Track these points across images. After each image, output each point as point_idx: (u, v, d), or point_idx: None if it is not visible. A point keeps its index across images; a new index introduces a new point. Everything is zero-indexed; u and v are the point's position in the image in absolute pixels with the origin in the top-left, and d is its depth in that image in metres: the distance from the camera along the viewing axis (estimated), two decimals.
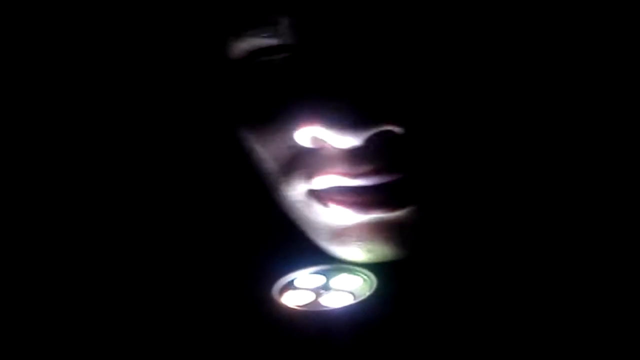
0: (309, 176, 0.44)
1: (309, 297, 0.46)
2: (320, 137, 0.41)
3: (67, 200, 0.56)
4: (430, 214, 0.44)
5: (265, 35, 0.42)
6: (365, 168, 0.42)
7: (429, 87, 0.41)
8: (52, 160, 0.57)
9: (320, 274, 0.49)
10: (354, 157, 0.41)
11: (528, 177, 0.49)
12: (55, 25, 0.55)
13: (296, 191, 0.46)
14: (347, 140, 0.40)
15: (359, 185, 0.42)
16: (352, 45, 0.40)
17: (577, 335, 0.44)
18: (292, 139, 0.43)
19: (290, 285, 0.48)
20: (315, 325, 0.44)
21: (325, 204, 0.45)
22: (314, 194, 0.45)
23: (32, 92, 0.57)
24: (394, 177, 0.42)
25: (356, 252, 0.46)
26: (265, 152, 0.46)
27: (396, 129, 0.41)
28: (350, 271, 0.48)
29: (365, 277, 0.47)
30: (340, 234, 0.46)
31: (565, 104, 0.49)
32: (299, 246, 0.49)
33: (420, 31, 0.40)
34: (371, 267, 0.47)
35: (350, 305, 0.45)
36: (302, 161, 0.45)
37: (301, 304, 0.46)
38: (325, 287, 0.47)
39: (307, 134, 0.42)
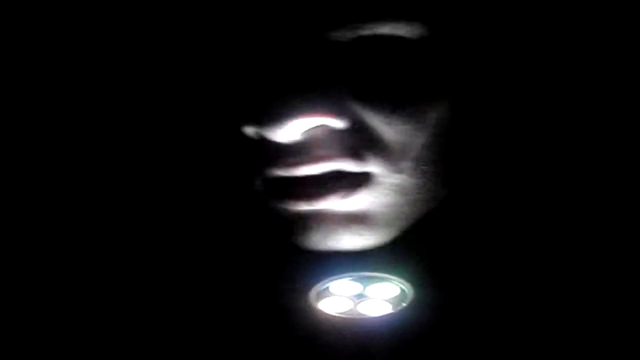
0: (260, 169, 0.45)
1: (347, 305, 0.46)
2: (260, 131, 0.42)
3: (73, 201, 0.56)
4: (380, 203, 0.45)
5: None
6: (305, 159, 0.43)
7: (366, 81, 0.42)
8: (53, 160, 0.57)
9: (356, 281, 0.49)
10: (294, 148, 0.42)
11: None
12: (65, 24, 0.55)
13: (254, 183, 0.47)
14: (282, 134, 0.41)
15: (303, 176, 0.43)
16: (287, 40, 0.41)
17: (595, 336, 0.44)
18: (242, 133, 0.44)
19: (326, 293, 0.48)
20: (354, 333, 0.44)
21: (276, 196, 0.45)
22: (267, 186, 0.46)
23: (33, 92, 0.56)
24: (335, 167, 0.43)
25: (318, 241, 0.47)
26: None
27: (332, 122, 0.41)
28: (385, 279, 0.48)
29: (401, 285, 0.48)
30: (297, 225, 0.46)
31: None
32: (333, 253, 0.49)
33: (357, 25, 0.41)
34: (406, 275, 0.48)
35: (391, 314, 0.45)
36: (253, 154, 0.45)
37: (339, 311, 0.46)
38: (362, 295, 0.47)
39: (250, 129, 0.43)
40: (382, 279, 0.48)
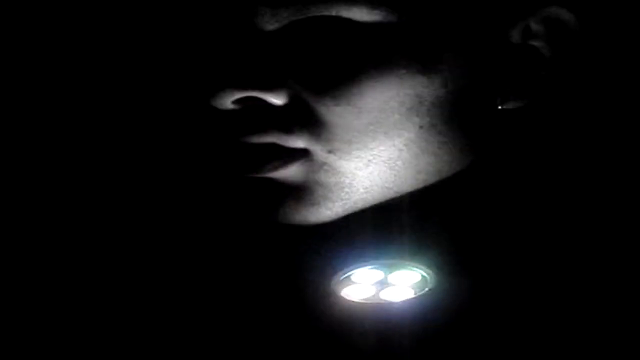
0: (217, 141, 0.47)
1: (369, 292, 0.48)
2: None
3: (72, 201, 0.55)
4: (312, 180, 0.45)
5: None
6: (243, 129, 0.44)
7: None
8: (51, 160, 0.56)
9: (378, 269, 0.47)
10: (235, 120, 0.44)
11: None
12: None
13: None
14: (220, 102, 0.43)
15: (244, 145, 0.44)
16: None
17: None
18: None
19: (348, 280, 0.47)
20: (378, 319, 0.50)
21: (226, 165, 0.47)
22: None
23: (33, 92, 0.57)
24: (270, 140, 0.44)
25: (264, 212, 0.47)
26: None
27: (268, 97, 0.43)
28: (408, 267, 0.47)
29: (423, 272, 0.47)
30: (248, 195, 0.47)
31: None
32: (354, 241, 0.47)
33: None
34: (429, 262, 0.47)
35: (413, 299, 0.49)
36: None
37: (362, 298, 0.49)
38: (384, 282, 0.48)
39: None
40: (404, 266, 0.47)
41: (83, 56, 0.57)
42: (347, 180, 0.45)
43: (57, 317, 0.51)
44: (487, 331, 0.47)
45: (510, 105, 0.46)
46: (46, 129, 0.57)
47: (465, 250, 0.48)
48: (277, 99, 0.43)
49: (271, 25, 0.42)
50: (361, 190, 0.45)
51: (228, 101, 0.43)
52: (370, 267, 0.47)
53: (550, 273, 0.48)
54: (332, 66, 0.42)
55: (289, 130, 0.44)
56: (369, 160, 0.44)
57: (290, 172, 0.45)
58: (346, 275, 0.47)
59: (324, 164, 0.44)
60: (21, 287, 0.52)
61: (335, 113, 0.42)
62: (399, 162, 0.44)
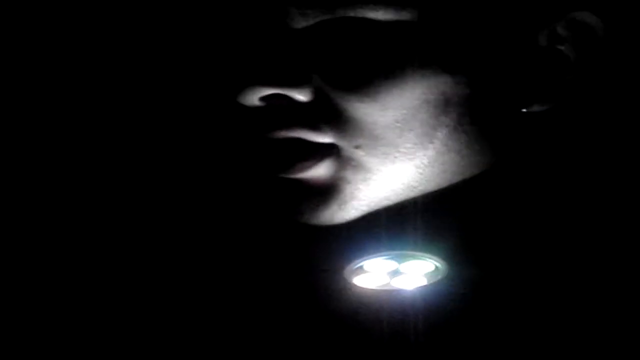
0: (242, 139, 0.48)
1: (382, 280, 0.49)
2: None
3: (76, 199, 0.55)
4: (340, 177, 0.45)
5: None
6: (269, 126, 0.44)
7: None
8: (53, 158, 0.56)
9: (391, 259, 0.47)
10: (261, 117, 0.44)
11: None
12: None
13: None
14: (247, 99, 0.43)
15: (271, 142, 0.44)
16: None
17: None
18: None
19: (361, 270, 0.48)
20: (390, 306, 0.50)
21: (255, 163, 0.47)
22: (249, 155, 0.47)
23: (33, 92, 0.57)
24: (297, 135, 0.44)
25: (296, 213, 0.47)
26: None
27: (294, 93, 0.43)
28: (420, 257, 0.47)
29: (436, 263, 0.47)
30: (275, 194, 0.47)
31: None
32: (368, 232, 0.47)
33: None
34: (442, 253, 0.47)
35: (425, 287, 0.49)
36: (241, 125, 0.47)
37: (374, 286, 0.49)
38: (397, 272, 0.48)
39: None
40: (416, 257, 0.47)
41: (104, 54, 0.58)
42: (374, 177, 0.45)
43: (61, 316, 0.51)
44: (497, 321, 0.48)
45: (534, 108, 0.46)
46: (64, 128, 0.58)
47: (478, 243, 0.48)
48: (303, 96, 0.43)
49: (299, 25, 0.42)
50: (387, 188, 0.45)
51: (255, 98, 0.43)
52: (384, 257, 0.47)
53: (561, 268, 0.48)
54: (357, 64, 0.42)
55: (315, 126, 0.44)
56: (395, 157, 0.44)
57: (319, 171, 0.45)
58: (359, 264, 0.47)
59: (351, 159, 0.44)
60: (21, 287, 0.52)
61: (361, 110, 0.42)
62: (424, 160, 0.44)
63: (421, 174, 0.45)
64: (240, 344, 0.50)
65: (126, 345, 0.50)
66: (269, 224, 0.51)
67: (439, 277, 0.47)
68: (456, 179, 0.46)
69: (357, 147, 0.44)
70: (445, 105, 0.43)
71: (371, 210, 0.46)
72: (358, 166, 0.44)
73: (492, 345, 0.47)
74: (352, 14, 0.41)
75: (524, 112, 0.46)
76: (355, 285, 0.48)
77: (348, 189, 0.45)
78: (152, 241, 0.53)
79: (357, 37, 0.42)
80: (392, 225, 0.47)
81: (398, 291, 0.48)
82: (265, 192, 0.47)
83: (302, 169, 0.44)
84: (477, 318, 0.48)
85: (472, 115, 0.44)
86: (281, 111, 0.43)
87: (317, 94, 0.43)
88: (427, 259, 0.46)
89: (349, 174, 0.45)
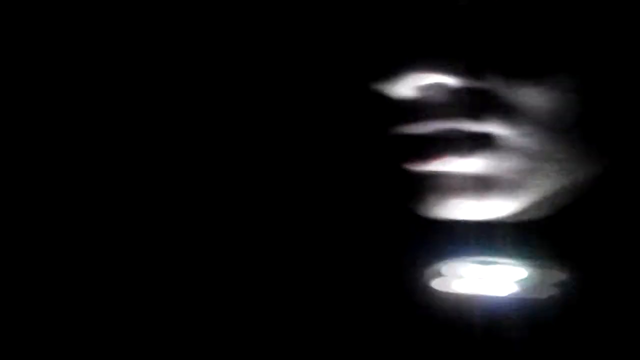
0: (377, 128, 0.44)
1: (469, 285, 0.47)
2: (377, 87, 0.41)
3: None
4: (503, 167, 0.41)
5: None
6: (421, 116, 0.41)
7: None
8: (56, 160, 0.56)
9: (477, 263, 0.45)
10: (410, 106, 0.40)
11: None
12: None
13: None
14: (397, 90, 0.40)
15: (419, 134, 0.41)
16: None
17: None
18: None
19: (447, 271, 0.46)
20: (479, 313, 0.48)
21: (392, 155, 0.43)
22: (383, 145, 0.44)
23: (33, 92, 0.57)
24: (452, 126, 0.40)
25: (436, 207, 0.43)
26: None
27: (450, 81, 0.39)
28: (509, 262, 0.45)
29: (525, 267, 0.45)
30: (414, 188, 0.43)
31: None
32: (451, 234, 0.45)
33: None
34: (527, 258, 0.45)
35: (517, 293, 0.46)
36: (373, 113, 0.44)
37: (460, 291, 0.47)
38: (483, 276, 0.46)
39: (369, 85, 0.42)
40: (509, 262, 0.45)
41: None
42: (538, 166, 0.41)
43: (61, 316, 0.52)
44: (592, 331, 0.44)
45: None
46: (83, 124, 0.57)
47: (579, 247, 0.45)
48: (459, 83, 0.39)
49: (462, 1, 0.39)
50: (544, 177, 0.42)
51: (408, 88, 0.40)
52: (472, 260, 0.45)
53: None
54: (517, 48, 0.38)
55: (474, 115, 0.40)
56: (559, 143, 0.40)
57: (476, 160, 0.41)
58: (446, 267, 0.45)
59: (513, 149, 0.41)
60: (21, 287, 0.52)
61: (532, 95, 0.39)
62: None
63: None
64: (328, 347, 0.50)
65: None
66: (357, 220, 0.50)
67: (531, 282, 0.44)
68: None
69: (522, 135, 0.40)
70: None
71: (529, 204, 0.43)
72: (522, 156, 0.41)
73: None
74: None
75: None
76: (441, 291, 0.46)
77: (507, 182, 0.42)
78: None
79: (521, 18, 0.38)
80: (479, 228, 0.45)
81: (487, 297, 0.45)
82: (405, 187, 0.44)
83: (453, 158, 0.41)
84: (572, 327, 0.45)
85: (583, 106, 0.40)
86: (435, 99, 0.40)
87: (474, 80, 0.39)
88: (521, 265, 0.44)
89: (511, 164, 0.41)
